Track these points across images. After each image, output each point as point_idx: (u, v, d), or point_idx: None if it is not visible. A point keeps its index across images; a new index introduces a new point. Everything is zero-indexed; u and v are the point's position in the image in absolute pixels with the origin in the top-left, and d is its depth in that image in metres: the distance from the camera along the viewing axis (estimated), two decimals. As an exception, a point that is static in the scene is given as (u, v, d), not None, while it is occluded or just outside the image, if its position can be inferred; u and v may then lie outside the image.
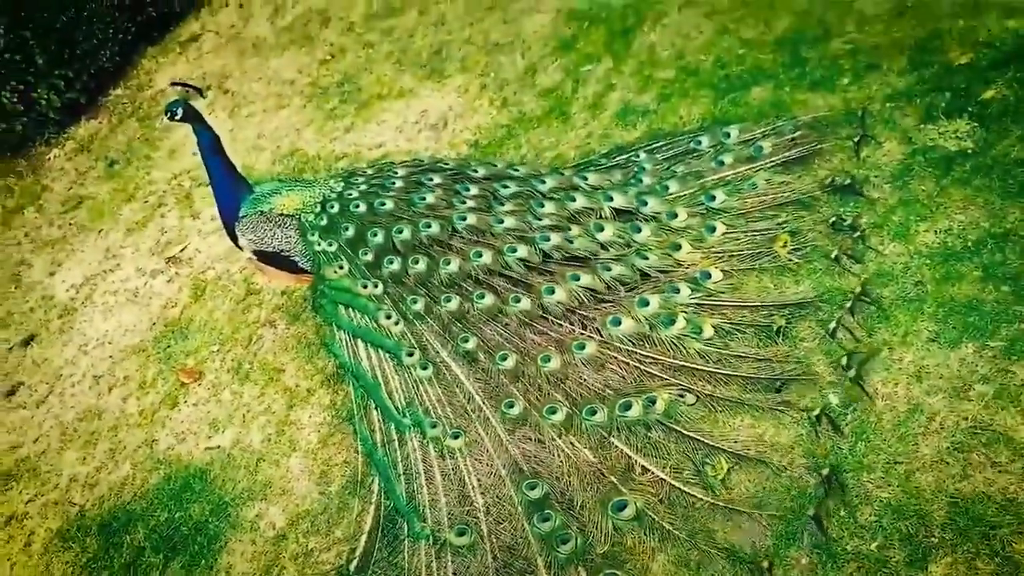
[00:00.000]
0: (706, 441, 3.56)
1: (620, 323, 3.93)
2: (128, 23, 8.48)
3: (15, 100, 7.51)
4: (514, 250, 4.07)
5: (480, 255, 4.07)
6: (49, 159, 7.81)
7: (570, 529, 3.44)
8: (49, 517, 4.71)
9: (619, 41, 6.12)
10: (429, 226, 4.17)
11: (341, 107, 6.85)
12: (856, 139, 4.51)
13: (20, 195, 7.46)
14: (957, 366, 3.52)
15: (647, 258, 4.15)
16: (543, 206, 4.29)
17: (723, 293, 4.06)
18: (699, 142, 4.73)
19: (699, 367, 3.79)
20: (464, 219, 4.18)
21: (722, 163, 4.58)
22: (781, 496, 3.39)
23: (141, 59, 8.70)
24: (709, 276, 4.12)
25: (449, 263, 4.07)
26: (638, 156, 4.82)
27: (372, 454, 3.89)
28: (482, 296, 4.01)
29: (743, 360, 3.78)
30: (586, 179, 4.57)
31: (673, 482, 3.47)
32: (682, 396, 3.73)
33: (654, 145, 4.88)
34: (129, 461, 4.80)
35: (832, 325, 3.78)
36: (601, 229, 4.24)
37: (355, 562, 3.68)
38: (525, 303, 3.98)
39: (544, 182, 4.48)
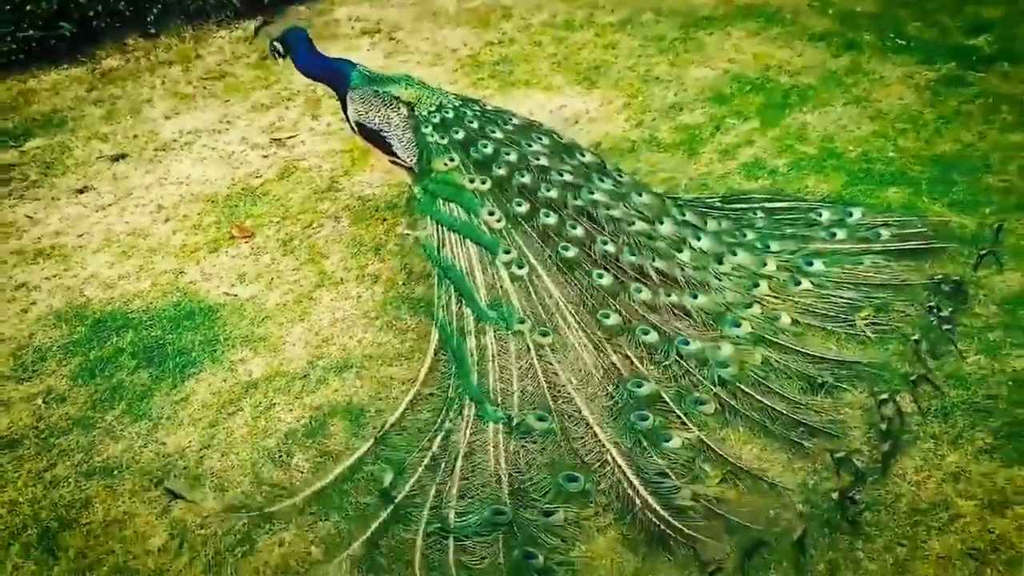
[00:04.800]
0: (709, 443, 3.27)
1: (688, 343, 3.75)
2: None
3: (209, -27, 7.95)
4: (608, 208, 4.06)
5: (576, 197, 4.09)
6: (214, 37, 8.19)
7: None
8: (56, 297, 4.71)
9: (774, 110, 5.98)
10: (538, 159, 4.20)
11: (487, 80, 6.93)
12: (982, 252, 4.18)
13: (174, 54, 7.81)
14: (1003, 483, 3.11)
15: (720, 280, 3.96)
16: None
17: (784, 334, 3.80)
18: (819, 214, 4.50)
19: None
20: (562, 175, 4.17)
21: (833, 235, 4.34)
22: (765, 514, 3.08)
23: (333, -10, 9.12)
24: (778, 319, 3.89)
25: (550, 190, 4.09)
26: (755, 214, 4.60)
27: (449, 340, 3.76)
28: (574, 226, 3.99)
29: (777, 396, 3.48)
30: (683, 214, 4.38)
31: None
32: (702, 403, 3.49)
33: (772, 205, 4.66)
34: (151, 280, 4.78)
35: (883, 397, 3.43)
36: (680, 250, 4.08)
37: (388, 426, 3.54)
38: (610, 247, 3.94)
39: (640, 196, 4.31)
